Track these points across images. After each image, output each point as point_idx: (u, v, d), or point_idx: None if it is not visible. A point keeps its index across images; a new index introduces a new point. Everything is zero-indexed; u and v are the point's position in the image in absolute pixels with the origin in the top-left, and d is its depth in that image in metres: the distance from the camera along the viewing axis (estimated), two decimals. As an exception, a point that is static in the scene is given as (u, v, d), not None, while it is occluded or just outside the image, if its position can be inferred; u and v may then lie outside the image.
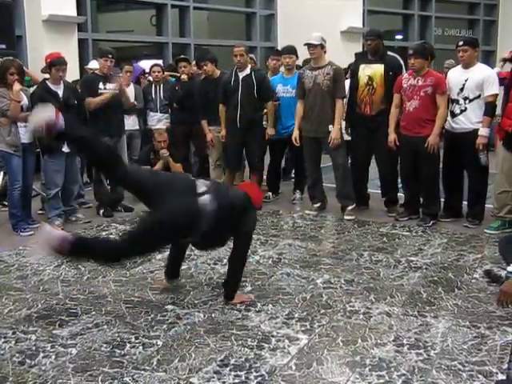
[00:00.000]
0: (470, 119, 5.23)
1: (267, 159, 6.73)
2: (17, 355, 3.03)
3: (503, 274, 3.76)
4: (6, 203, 5.64)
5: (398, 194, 5.96)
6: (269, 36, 12.20)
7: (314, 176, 5.97)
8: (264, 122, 6.38)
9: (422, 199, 5.62)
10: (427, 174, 5.40)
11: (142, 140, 7.33)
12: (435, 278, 4.10)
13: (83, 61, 8.81)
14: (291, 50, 6.43)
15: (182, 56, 7.70)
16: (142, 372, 2.85)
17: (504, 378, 2.75)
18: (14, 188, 5.27)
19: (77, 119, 5.54)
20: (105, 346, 3.13)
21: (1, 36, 7.44)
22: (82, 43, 9.17)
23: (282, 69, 6.74)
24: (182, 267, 4.08)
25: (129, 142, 6.69)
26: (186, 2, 10.82)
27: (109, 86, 5.87)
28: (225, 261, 4.01)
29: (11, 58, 5.90)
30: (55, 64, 5.36)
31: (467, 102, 5.23)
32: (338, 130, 5.61)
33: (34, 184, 5.77)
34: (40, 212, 6.04)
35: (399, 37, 14.07)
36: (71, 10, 8.76)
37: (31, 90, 5.67)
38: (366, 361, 2.94)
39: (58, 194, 5.53)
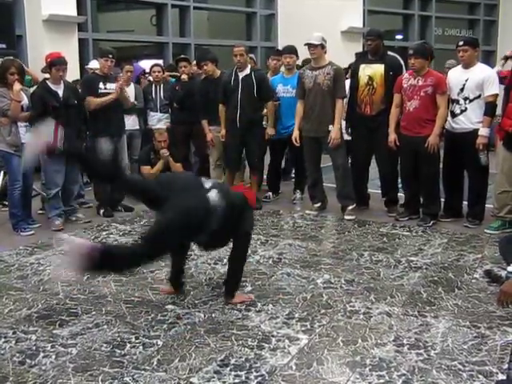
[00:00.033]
0: (471, 119, 5.23)
1: (267, 159, 6.73)
2: (17, 355, 3.03)
3: (503, 274, 3.76)
4: (7, 203, 5.64)
5: (398, 194, 5.96)
6: (269, 36, 12.19)
7: (314, 176, 5.97)
8: (264, 122, 6.38)
9: (422, 199, 5.62)
10: (427, 174, 5.40)
11: (143, 140, 7.32)
12: (435, 278, 4.10)
13: (83, 61, 8.81)
14: (291, 50, 6.43)
15: (183, 56, 7.70)
16: (143, 372, 2.86)
17: (504, 378, 2.75)
18: (14, 188, 5.27)
19: (75, 134, 5.56)
20: (105, 345, 3.13)
21: (1, 36, 7.45)
22: (82, 43, 9.16)
23: (283, 69, 6.74)
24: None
25: (129, 141, 6.69)
26: (187, 2, 10.81)
27: (109, 85, 5.87)
28: (225, 261, 4.01)
29: (11, 57, 5.91)
30: (55, 64, 5.36)
31: (467, 102, 5.23)
32: (337, 129, 5.61)
33: (35, 184, 5.77)
34: (40, 212, 6.04)
35: (399, 37, 14.06)
36: (71, 10, 8.76)
37: (31, 89, 5.67)
38: (367, 361, 2.94)
39: (59, 193, 5.53)
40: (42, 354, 3.04)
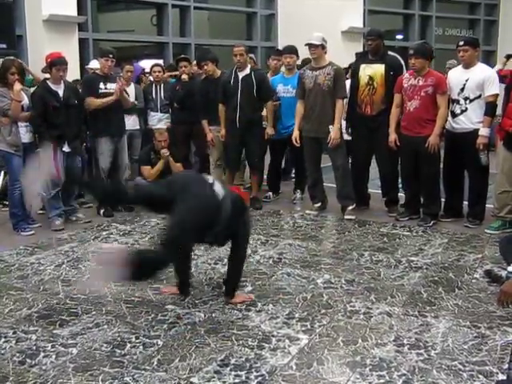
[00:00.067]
0: (471, 119, 5.23)
1: (268, 159, 6.73)
2: (17, 355, 3.03)
3: (504, 274, 3.76)
4: (7, 203, 5.64)
5: (399, 194, 5.96)
6: (269, 36, 12.19)
7: (314, 176, 5.97)
8: (264, 122, 6.37)
9: (422, 199, 5.62)
10: (428, 173, 5.40)
11: (143, 140, 7.32)
12: (436, 278, 4.10)
13: (84, 61, 8.81)
14: (292, 50, 6.43)
15: (183, 56, 7.70)
16: (143, 372, 2.86)
17: (504, 378, 2.75)
18: (14, 188, 5.27)
19: (75, 161, 5.62)
20: (105, 345, 3.13)
21: (1, 36, 7.45)
22: (82, 43, 9.16)
23: (283, 69, 6.74)
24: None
25: (129, 141, 6.69)
26: (187, 2, 10.81)
27: (109, 85, 5.87)
28: (225, 260, 4.01)
29: (12, 57, 5.91)
30: (56, 64, 5.36)
31: (468, 102, 5.23)
32: (337, 129, 5.61)
33: (35, 184, 5.77)
34: (40, 212, 6.03)
35: (400, 37, 14.05)
36: (72, 10, 8.75)
37: (32, 89, 5.67)
38: (367, 361, 2.94)
39: (59, 193, 5.53)
40: (42, 354, 3.04)
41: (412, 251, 4.72)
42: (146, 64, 9.51)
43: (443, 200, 5.63)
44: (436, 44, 12.58)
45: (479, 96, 5.18)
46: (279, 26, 11.99)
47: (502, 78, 5.43)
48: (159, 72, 7.43)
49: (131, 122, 6.93)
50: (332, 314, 3.50)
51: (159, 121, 7.33)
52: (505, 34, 14.24)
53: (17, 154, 5.24)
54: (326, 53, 5.71)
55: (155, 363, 2.94)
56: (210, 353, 3.03)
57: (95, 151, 5.99)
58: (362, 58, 6.06)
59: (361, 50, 10.16)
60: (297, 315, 3.49)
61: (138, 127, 7.29)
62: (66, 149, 5.44)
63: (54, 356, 3.02)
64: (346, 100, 5.79)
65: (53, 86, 5.40)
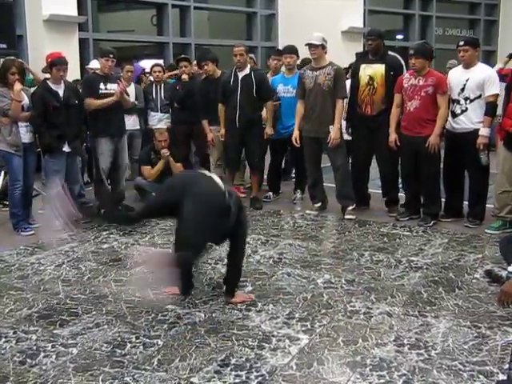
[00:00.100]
0: (471, 119, 5.23)
1: (268, 159, 6.73)
2: (17, 355, 3.03)
3: (504, 274, 3.76)
4: (7, 203, 5.64)
5: (399, 194, 5.96)
6: (269, 36, 12.20)
7: (314, 176, 5.97)
8: (263, 122, 6.37)
9: (422, 199, 5.62)
10: (428, 173, 5.40)
11: (143, 140, 7.33)
12: (436, 278, 4.10)
13: (84, 60, 8.82)
14: (292, 50, 6.43)
15: (183, 56, 7.71)
16: (143, 372, 2.86)
17: (505, 378, 2.75)
18: (14, 188, 5.28)
19: (75, 161, 5.70)
20: (105, 345, 3.13)
21: (1, 36, 7.45)
22: (82, 43, 9.17)
23: (283, 69, 6.74)
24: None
25: (129, 141, 6.69)
26: (187, 2, 10.82)
27: (110, 86, 5.87)
28: (225, 260, 4.00)
29: (13, 57, 5.91)
30: (56, 64, 5.35)
31: (468, 102, 5.23)
32: (337, 129, 5.61)
33: (35, 184, 5.77)
34: (41, 212, 6.02)
35: (400, 37, 14.07)
36: (72, 10, 8.77)
37: (32, 89, 5.67)
38: (367, 361, 2.94)
39: (59, 193, 5.52)
40: (42, 354, 3.04)
41: (412, 251, 4.72)
42: (146, 64, 9.52)
43: (443, 200, 5.63)
44: (436, 44, 12.58)
45: (479, 96, 5.18)
46: (279, 26, 12.00)
47: (503, 76, 5.42)
48: (159, 72, 7.44)
49: (131, 122, 6.94)
50: (332, 314, 3.50)
51: (159, 121, 7.33)
52: (505, 34, 14.25)
53: (17, 154, 5.24)
54: (326, 53, 5.70)
55: (155, 363, 2.94)
56: (210, 353, 3.03)
57: (95, 151, 5.99)
58: (362, 58, 6.05)
59: (361, 50, 10.16)
60: (297, 315, 3.49)
61: (138, 127, 7.31)
62: (66, 149, 5.44)
63: (54, 356, 3.02)
64: (346, 100, 5.79)
65: (53, 86, 5.40)
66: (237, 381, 2.77)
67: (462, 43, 5.26)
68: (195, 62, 7.49)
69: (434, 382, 2.74)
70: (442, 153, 5.50)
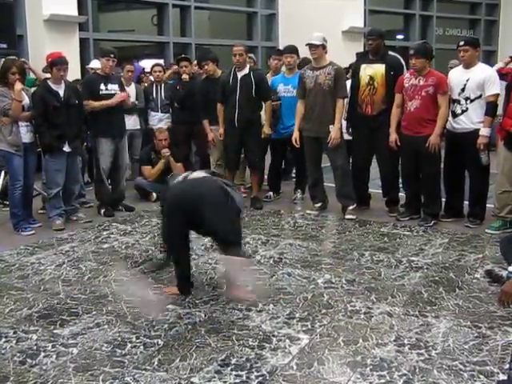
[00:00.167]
0: (472, 119, 5.23)
1: (268, 159, 6.73)
2: (18, 355, 3.03)
3: (504, 273, 3.76)
4: (7, 203, 5.64)
5: (399, 194, 5.96)
6: (270, 36, 12.19)
7: (314, 176, 5.97)
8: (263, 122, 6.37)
9: (423, 199, 5.62)
10: (428, 173, 5.40)
11: (143, 140, 7.34)
12: (436, 278, 4.09)
13: (84, 60, 8.82)
14: (292, 50, 6.43)
15: (183, 55, 7.71)
16: (143, 372, 2.85)
17: (505, 378, 2.74)
18: (15, 188, 5.27)
19: (76, 161, 5.72)
20: (106, 345, 3.13)
21: (2, 35, 7.46)
22: (83, 43, 9.17)
23: (284, 68, 6.74)
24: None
25: (130, 141, 6.70)
26: (188, 2, 10.82)
27: (110, 86, 5.87)
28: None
29: (14, 57, 5.91)
30: (56, 63, 5.35)
31: (468, 102, 5.22)
32: (337, 129, 5.61)
33: (35, 183, 5.77)
34: (41, 211, 6.04)
35: (400, 36, 14.07)
36: (72, 10, 8.76)
37: (33, 89, 5.66)
38: (367, 361, 2.93)
39: (59, 193, 5.52)
40: (42, 354, 3.04)
41: (413, 251, 4.72)
42: (146, 64, 9.52)
43: (444, 200, 5.63)
44: (436, 44, 12.58)
45: (480, 96, 5.18)
46: (280, 26, 12.00)
47: (503, 75, 5.42)
48: (160, 72, 7.44)
49: (132, 122, 6.94)
50: (333, 314, 3.49)
51: (160, 121, 7.34)
52: (505, 34, 14.25)
53: (17, 154, 5.24)
54: (326, 53, 5.70)
55: (156, 363, 2.94)
56: (210, 353, 3.03)
57: (96, 151, 5.99)
58: (362, 57, 6.05)
59: (361, 49, 10.16)
60: (297, 315, 3.49)
61: (138, 127, 7.31)
62: (66, 149, 5.44)
63: (54, 356, 3.02)
64: (346, 100, 5.79)
65: (53, 86, 5.40)
66: (237, 381, 2.77)
67: (462, 43, 5.25)
68: (195, 62, 7.50)
69: (434, 381, 2.74)
70: (443, 153, 5.50)
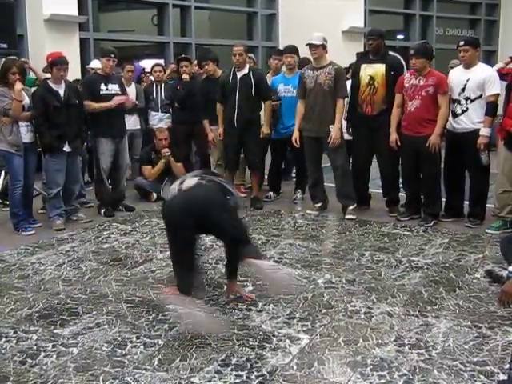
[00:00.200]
0: (472, 119, 5.23)
1: (268, 159, 6.73)
2: (18, 355, 3.03)
3: (505, 273, 3.77)
4: (8, 203, 5.64)
5: (400, 194, 5.96)
6: (270, 36, 12.19)
7: (314, 176, 5.97)
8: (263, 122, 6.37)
9: (423, 199, 5.62)
10: (429, 173, 5.40)
11: (144, 139, 7.34)
12: (436, 278, 4.09)
13: (85, 60, 8.82)
14: (292, 50, 6.43)
15: (184, 55, 7.71)
16: (143, 372, 2.85)
17: (505, 378, 2.74)
18: (15, 187, 5.28)
19: (76, 161, 5.71)
20: (106, 345, 3.13)
21: (2, 35, 7.46)
22: (83, 43, 9.17)
23: (284, 68, 6.74)
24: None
25: (130, 141, 6.70)
26: (188, 2, 10.81)
27: (111, 86, 5.87)
28: (226, 261, 4.00)
29: (15, 57, 5.91)
30: (56, 63, 5.35)
31: (469, 102, 5.22)
32: (338, 129, 5.61)
33: (36, 183, 5.77)
34: (41, 211, 6.04)
35: (400, 36, 14.06)
36: (73, 10, 8.76)
37: (33, 89, 5.67)
38: (368, 361, 2.93)
39: (60, 193, 5.52)
40: (42, 354, 3.04)
41: (413, 251, 4.72)
42: (146, 64, 9.52)
43: (444, 200, 5.63)
44: (437, 44, 12.57)
45: (480, 96, 5.18)
46: (280, 26, 11.99)
47: (503, 75, 5.42)
48: (160, 72, 7.44)
49: (132, 122, 6.95)
50: (333, 314, 3.49)
51: (160, 120, 7.34)
52: (505, 34, 14.24)
53: (17, 154, 5.24)
54: (326, 52, 5.70)
55: (156, 363, 2.94)
56: (210, 353, 3.03)
57: (96, 151, 5.99)
58: (362, 57, 6.05)
59: (361, 49, 10.16)
60: (297, 315, 3.49)
61: (138, 127, 7.32)
62: (66, 148, 5.44)
63: (54, 356, 3.02)
64: (346, 100, 5.79)
65: (53, 86, 5.40)
66: (237, 381, 2.77)
67: (462, 43, 5.25)
68: (196, 62, 7.50)
69: (434, 381, 2.74)
70: (443, 153, 5.50)
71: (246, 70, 6.08)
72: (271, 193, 6.69)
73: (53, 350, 3.08)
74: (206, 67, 6.63)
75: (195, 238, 3.55)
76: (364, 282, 4.02)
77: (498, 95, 5.19)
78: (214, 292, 3.86)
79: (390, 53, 5.85)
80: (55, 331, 3.30)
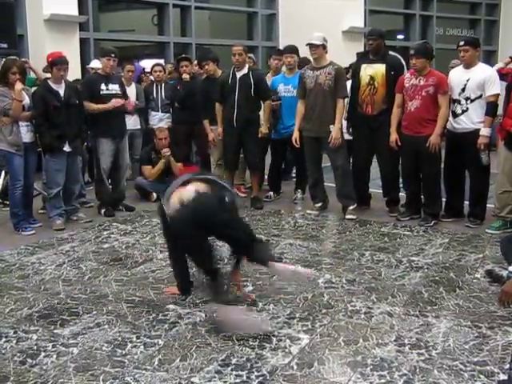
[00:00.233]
0: (472, 119, 5.23)
1: (268, 159, 6.73)
2: (18, 355, 3.03)
3: (505, 273, 3.77)
4: (8, 202, 5.64)
5: (400, 194, 5.96)
6: (270, 36, 12.18)
7: (314, 176, 5.97)
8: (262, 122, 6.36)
9: (423, 199, 5.62)
10: (429, 173, 5.40)
11: (144, 139, 7.34)
12: (436, 278, 4.09)
13: (85, 60, 8.82)
14: (293, 50, 6.43)
15: (184, 55, 7.71)
16: (144, 371, 2.85)
17: (505, 378, 2.74)
18: (15, 187, 5.28)
19: (76, 161, 5.73)
20: (106, 345, 3.13)
21: (2, 35, 7.46)
22: (83, 42, 9.17)
23: (284, 68, 6.74)
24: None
25: (130, 141, 6.70)
26: (188, 2, 10.81)
27: (111, 86, 5.87)
28: (226, 260, 4.00)
29: (15, 57, 5.91)
30: (56, 63, 5.35)
31: (469, 102, 5.22)
32: (338, 129, 5.61)
33: (36, 183, 5.78)
34: (41, 211, 6.04)
35: (401, 36, 14.06)
36: (73, 10, 8.76)
37: (33, 89, 5.66)
38: (368, 361, 2.93)
39: (60, 193, 5.52)
40: (42, 354, 3.04)
41: (413, 251, 4.72)
42: (146, 64, 9.52)
43: (444, 200, 5.63)
44: (437, 44, 12.57)
45: (480, 96, 5.18)
46: (280, 26, 11.99)
47: (503, 76, 5.42)
48: (160, 72, 7.44)
49: (132, 122, 6.94)
50: (333, 314, 3.49)
51: (160, 120, 7.34)
52: (506, 34, 14.24)
53: (18, 154, 5.24)
54: (326, 52, 5.70)
55: (156, 363, 2.94)
56: (210, 352, 3.03)
57: (96, 151, 5.99)
58: (362, 57, 6.05)
59: (362, 49, 10.16)
60: (298, 315, 3.49)
61: (138, 127, 7.32)
62: (66, 148, 5.44)
63: (54, 356, 3.02)
64: (346, 99, 5.79)
65: (54, 86, 5.40)
66: (237, 381, 2.77)
67: (462, 43, 5.25)
68: (196, 62, 7.50)
69: (434, 381, 2.74)
70: (443, 153, 5.50)
71: (245, 70, 6.08)
72: (271, 193, 6.69)
73: (53, 349, 3.08)
74: (206, 67, 6.63)
75: (205, 240, 3.56)
76: (364, 282, 4.02)
77: (498, 95, 5.19)
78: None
79: (390, 53, 5.85)
80: (55, 331, 3.30)
